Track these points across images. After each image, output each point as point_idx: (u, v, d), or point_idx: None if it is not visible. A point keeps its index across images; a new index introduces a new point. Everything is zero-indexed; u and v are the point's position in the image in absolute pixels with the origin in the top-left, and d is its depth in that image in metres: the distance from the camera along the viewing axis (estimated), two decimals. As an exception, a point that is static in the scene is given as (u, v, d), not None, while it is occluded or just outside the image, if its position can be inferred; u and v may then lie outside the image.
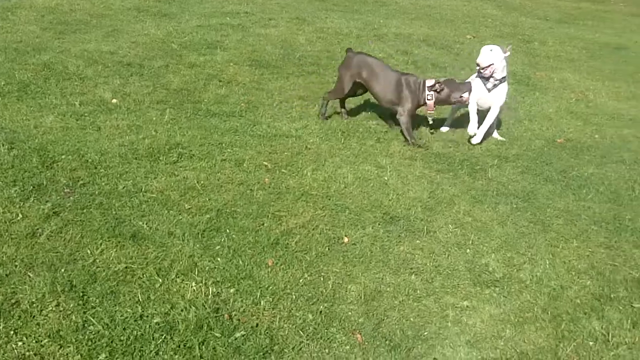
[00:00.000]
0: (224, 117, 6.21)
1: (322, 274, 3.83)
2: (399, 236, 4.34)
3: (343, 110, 6.56)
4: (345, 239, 4.22)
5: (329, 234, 4.27)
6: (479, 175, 5.44)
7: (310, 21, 10.97)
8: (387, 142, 5.97)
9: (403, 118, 5.98)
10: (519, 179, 5.43)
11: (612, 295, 3.88)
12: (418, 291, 3.76)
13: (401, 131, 6.05)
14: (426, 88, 5.97)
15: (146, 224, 4.09)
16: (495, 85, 5.94)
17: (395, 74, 6.14)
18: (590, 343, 3.47)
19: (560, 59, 9.97)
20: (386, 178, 5.20)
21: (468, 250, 4.26)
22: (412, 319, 3.52)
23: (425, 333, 3.43)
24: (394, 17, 12.16)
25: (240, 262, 3.83)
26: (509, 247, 4.33)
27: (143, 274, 3.59)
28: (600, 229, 4.70)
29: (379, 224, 4.46)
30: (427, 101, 5.98)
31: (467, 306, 3.67)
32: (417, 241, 4.31)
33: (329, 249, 4.10)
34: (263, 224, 4.29)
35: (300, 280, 3.73)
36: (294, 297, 3.57)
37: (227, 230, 4.16)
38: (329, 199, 4.76)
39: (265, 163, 5.25)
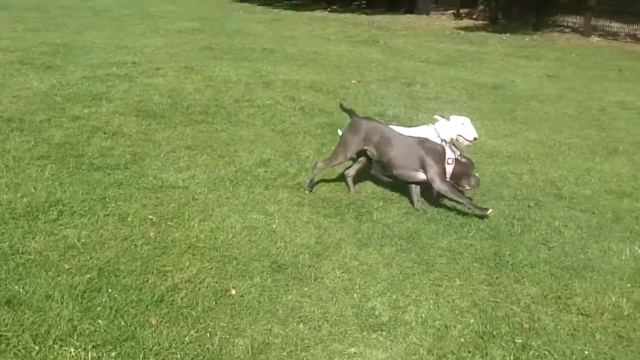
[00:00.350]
0: (108, 171, 6.10)
1: (209, 329, 3.77)
2: (286, 285, 4.34)
3: (351, 185, 6.09)
4: (233, 291, 4.19)
5: (216, 287, 4.22)
6: (365, 218, 5.53)
7: (199, 70, 10.98)
8: (275, 189, 6.00)
9: (439, 184, 5.62)
10: (404, 220, 5.55)
11: (494, 332, 3.97)
12: (306, 340, 3.75)
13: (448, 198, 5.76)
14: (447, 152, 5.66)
15: (22, 287, 3.93)
16: None
17: (412, 138, 5.82)
18: (475, 381, 3.55)
19: (441, 100, 10.33)
20: (274, 226, 5.21)
21: (355, 294, 4.30)
22: (300, 370, 3.51)
23: (314, 383, 3.43)
24: (282, 64, 12.34)
25: (123, 322, 3.72)
26: (395, 289, 4.40)
27: (18, 342, 3.44)
28: (482, 266, 4.84)
29: (266, 274, 4.45)
30: (446, 166, 5.67)
31: (354, 353, 3.68)
32: (305, 288, 4.32)
33: (215, 302, 4.05)
34: (147, 281, 4.21)
35: (186, 338, 3.66)
36: (178, 356, 3.50)
37: (109, 290, 4.05)
38: (216, 251, 4.72)
39: (151, 216, 5.17)
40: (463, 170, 5.70)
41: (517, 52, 17.00)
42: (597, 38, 20.90)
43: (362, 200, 5.91)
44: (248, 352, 3.59)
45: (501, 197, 6.24)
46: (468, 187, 5.78)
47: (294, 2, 30.20)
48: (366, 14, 26.28)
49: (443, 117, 6.26)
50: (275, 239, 4.98)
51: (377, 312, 4.11)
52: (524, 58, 15.94)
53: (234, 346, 3.64)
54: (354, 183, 6.12)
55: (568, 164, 7.44)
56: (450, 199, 5.71)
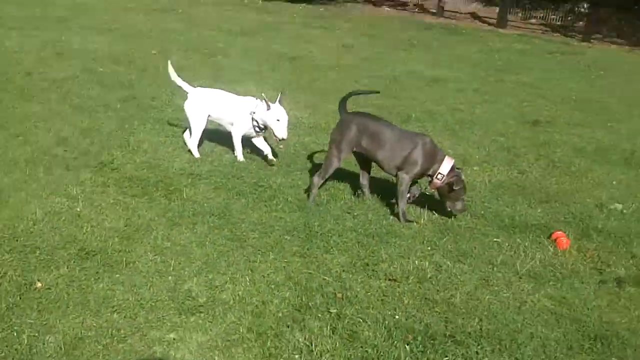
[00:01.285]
0: None
1: (15, 327, 3.54)
2: (97, 273, 4.16)
3: (364, 191, 5.75)
4: (39, 284, 3.95)
5: (19, 281, 3.96)
6: (175, 196, 5.42)
7: (-18, 41, 10.17)
8: (76, 169, 5.73)
9: (402, 183, 5.31)
10: (214, 196, 5.50)
11: (310, 304, 4.05)
12: (122, 331, 3.62)
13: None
14: (443, 166, 5.27)
15: None
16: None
17: (404, 133, 5.42)
18: (296, 356, 3.58)
19: (244, 72, 10.33)
20: (79, 209, 4.97)
21: (170, 277, 4.21)
22: (117, 362, 3.39)
23: (133, 374, 3.33)
24: (77, 34, 11.77)
25: None
26: (210, 269, 4.36)
27: None
28: (293, 238, 4.91)
29: (74, 262, 4.24)
30: (435, 179, 5.32)
31: (173, 339, 3.61)
32: (117, 275, 4.16)
33: (20, 297, 3.80)
34: (-60, 279, 3.86)
35: (-10, 339, 3.41)
36: (-17, 359, 3.26)
37: None
38: (17, 240, 4.42)
39: (-62, 207, 4.74)
40: (448, 192, 5.35)
41: (313, 22, 17.34)
42: (387, 8, 21.86)
43: (170, 177, 5.78)
44: (61, 348, 3.41)
45: (306, 168, 6.36)
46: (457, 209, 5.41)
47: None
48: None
49: (266, 100, 6.09)
50: (81, 223, 4.76)
51: (193, 294, 4.05)
52: (320, 28, 16.29)
53: (44, 344, 3.43)
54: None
55: (367, 133, 7.72)
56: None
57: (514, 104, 9.68)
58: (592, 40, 17.71)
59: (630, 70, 13.76)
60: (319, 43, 13.90)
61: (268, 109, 6.08)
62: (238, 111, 6.33)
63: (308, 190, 5.62)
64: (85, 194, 5.25)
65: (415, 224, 5.33)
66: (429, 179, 5.39)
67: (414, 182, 5.46)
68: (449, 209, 5.42)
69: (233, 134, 6.37)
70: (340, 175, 6.16)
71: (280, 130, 6.03)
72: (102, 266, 4.24)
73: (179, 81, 6.52)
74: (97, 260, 4.30)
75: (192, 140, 6.40)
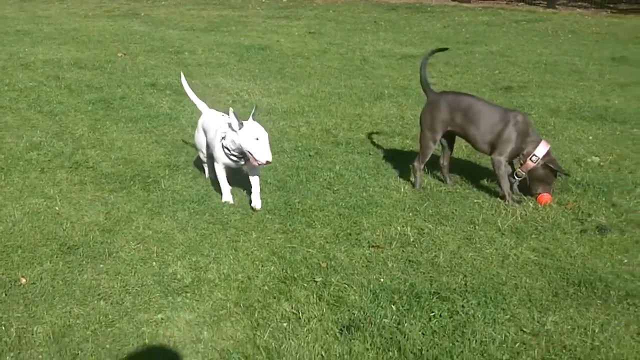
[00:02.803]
0: None
1: (3, 322, 3.52)
2: (80, 265, 4.15)
3: (447, 176, 5.56)
4: (23, 280, 3.94)
5: (3, 279, 3.95)
6: (153, 188, 5.42)
7: (-56, 58, 10.08)
8: (52, 171, 5.70)
9: (500, 166, 5.11)
10: (192, 185, 5.51)
11: (295, 275, 4.08)
12: (110, 316, 3.62)
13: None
14: (539, 149, 5.05)
15: None
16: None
17: (497, 109, 5.24)
18: (284, 324, 3.60)
19: (211, 65, 10.33)
20: (57, 208, 4.96)
21: (154, 263, 4.22)
22: (108, 346, 3.38)
23: (125, 357, 3.33)
24: (40, 44, 11.68)
25: None
26: (194, 251, 4.37)
27: None
28: (274, 216, 4.93)
29: (57, 257, 4.23)
30: (528, 160, 5.09)
31: (162, 319, 3.62)
32: (101, 265, 4.17)
33: (5, 294, 3.80)
34: None
35: (-22, 335, 3.40)
36: (-28, 355, 3.25)
37: None
38: (-3, 242, 4.41)
39: None
40: (540, 176, 5.14)
41: (277, 13, 17.33)
42: (350, -6, 21.86)
43: (147, 171, 5.77)
44: (50, 337, 3.41)
45: (283, 151, 6.38)
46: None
47: (42, -20, 28.45)
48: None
49: (236, 116, 4.75)
50: (61, 221, 4.75)
51: (179, 276, 4.06)
52: (285, 18, 16.29)
53: (33, 334, 3.43)
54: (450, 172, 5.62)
55: (340, 113, 7.76)
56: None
57: (486, 73, 9.75)
58: (557, 7, 17.83)
59: (597, 32, 13.88)
60: (285, 32, 13.91)
61: (240, 128, 4.75)
62: (213, 136, 5.11)
63: (413, 177, 5.51)
64: (63, 193, 5.24)
65: (522, 202, 5.12)
66: (521, 160, 5.16)
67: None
68: (535, 193, 5.17)
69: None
70: (318, 155, 6.21)
71: (261, 151, 4.67)
72: (85, 258, 4.24)
73: (194, 98, 5.85)
74: (79, 253, 4.30)
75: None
